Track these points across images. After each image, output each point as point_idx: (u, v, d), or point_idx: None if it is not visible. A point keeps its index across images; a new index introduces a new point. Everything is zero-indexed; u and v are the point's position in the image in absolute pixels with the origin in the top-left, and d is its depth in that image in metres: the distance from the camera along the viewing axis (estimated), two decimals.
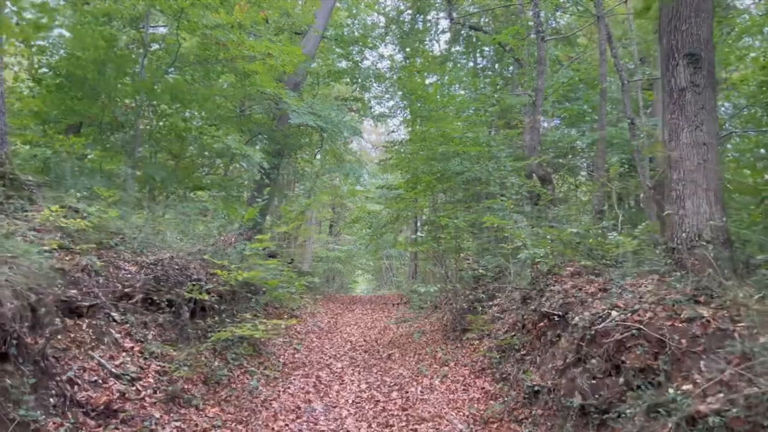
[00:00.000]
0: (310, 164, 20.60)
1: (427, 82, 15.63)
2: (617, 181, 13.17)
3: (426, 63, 18.58)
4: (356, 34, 21.67)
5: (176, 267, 8.59)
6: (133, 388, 6.17)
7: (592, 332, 5.90)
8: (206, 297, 8.29)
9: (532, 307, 7.69)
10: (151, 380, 6.52)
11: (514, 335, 8.27)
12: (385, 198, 15.99)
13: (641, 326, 5.32)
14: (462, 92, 19.10)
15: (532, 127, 13.90)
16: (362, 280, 44.98)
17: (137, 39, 14.62)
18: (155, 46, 15.35)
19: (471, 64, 21.66)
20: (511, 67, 19.21)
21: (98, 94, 12.81)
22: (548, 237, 8.36)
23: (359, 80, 22.69)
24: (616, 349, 5.47)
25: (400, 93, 21.34)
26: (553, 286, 7.57)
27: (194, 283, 8.38)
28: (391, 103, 24.01)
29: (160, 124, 13.51)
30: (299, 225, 19.17)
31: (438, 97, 13.26)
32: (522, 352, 7.79)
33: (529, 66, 16.61)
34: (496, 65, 20.15)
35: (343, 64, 22.68)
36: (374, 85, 22.74)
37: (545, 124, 16.81)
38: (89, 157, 13.90)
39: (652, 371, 5.05)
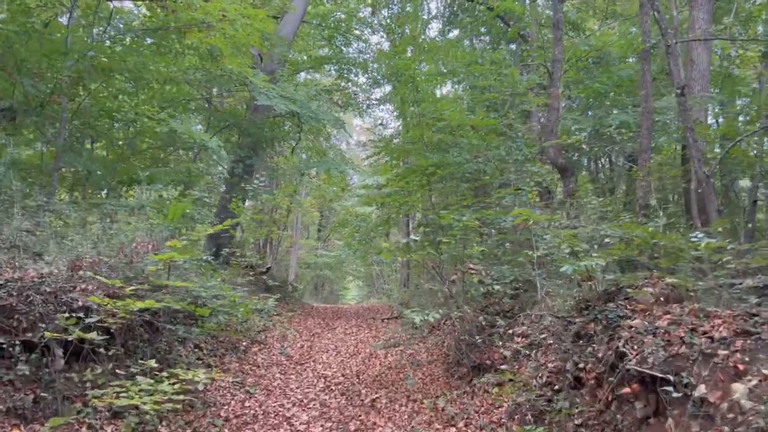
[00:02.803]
0: (288, 160, 17.51)
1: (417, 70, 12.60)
2: (667, 167, 10.09)
3: (415, 42, 15.53)
4: (341, 16, 18.55)
5: (47, 291, 5.46)
6: None
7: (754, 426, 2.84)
8: (90, 335, 5.15)
9: (598, 354, 4.59)
10: None
11: (559, 391, 5.18)
12: (371, 196, 12.87)
13: None
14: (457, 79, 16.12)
15: (549, 105, 10.86)
16: (353, 287, 41.91)
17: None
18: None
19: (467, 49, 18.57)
20: (512, 45, 16.17)
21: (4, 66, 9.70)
22: (607, 240, 5.29)
23: (343, 70, 19.59)
24: None
25: (384, 78, 18.26)
26: (631, 317, 4.49)
27: (71, 315, 5.25)
28: (379, 94, 20.97)
29: (87, 102, 10.35)
30: (269, 229, 16.04)
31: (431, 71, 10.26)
32: (577, 422, 4.70)
33: (537, 40, 13.58)
34: (500, 45, 17.03)
35: (326, 52, 19.62)
36: (359, 74, 19.62)
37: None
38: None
39: None
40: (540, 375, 5.62)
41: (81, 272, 5.89)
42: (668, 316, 4.14)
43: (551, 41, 12.58)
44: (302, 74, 21.23)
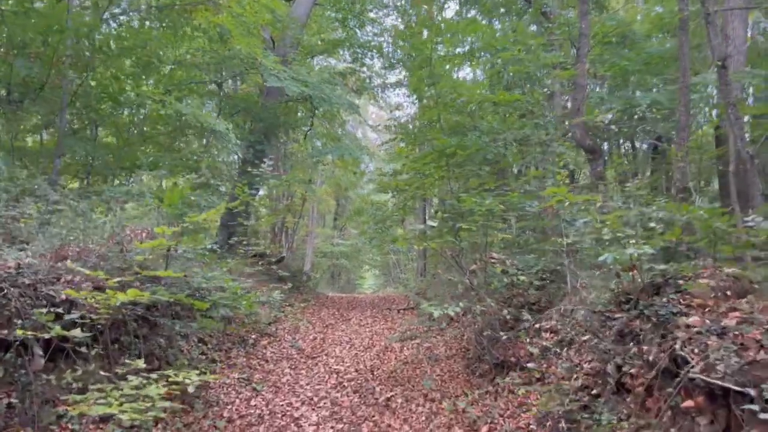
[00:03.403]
0: (302, 146, 16.84)
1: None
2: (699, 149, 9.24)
3: (431, 23, 14.71)
4: None
5: (25, 283, 4.89)
6: None
7: None
8: (73, 333, 4.57)
9: (648, 357, 3.89)
10: None
11: (598, 397, 4.50)
12: (387, 181, 12.17)
13: None
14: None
15: (576, 82, 10.06)
16: (370, 276, 41.32)
17: None
18: None
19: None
20: (534, 26, 15.27)
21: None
22: (653, 225, 4.56)
23: (358, 54, 18.82)
24: None
25: (400, 62, 17.48)
26: (687, 314, 3.79)
27: (51, 310, 4.67)
28: (394, 78, 20.19)
29: (92, 83, 9.78)
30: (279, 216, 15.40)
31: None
32: None
33: (560, 17, 12.71)
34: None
35: (340, 35, 18.86)
36: (374, 58, 18.83)
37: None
38: None
39: None
40: (574, 377, 4.93)
41: (67, 262, 5.30)
42: (736, 314, 3.43)
43: (575, 18, 11.74)
44: (316, 60, 20.53)
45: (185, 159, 11.20)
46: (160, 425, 5.51)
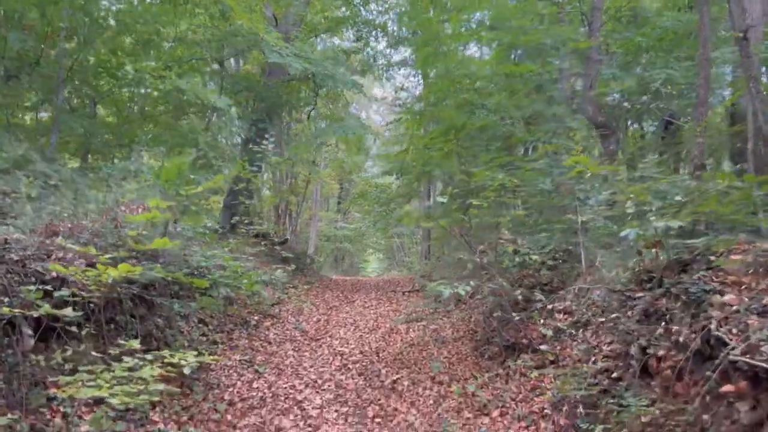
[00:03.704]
0: (305, 127, 16.48)
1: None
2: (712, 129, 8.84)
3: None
4: None
5: (13, 259, 4.61)
6: None
7: None
8: (64, 311, 4.29)
9: (678, 338, 3.58)
10: None
11: (619, 380, 4.21)
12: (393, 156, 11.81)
13: None
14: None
15: (588, 57, 9.67)
16: (373, 259, 41.12)
17: None
18: None
19: None
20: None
21: None
22: (678, 198, 4.23)
23: (362, 32, 18.35)
24: None
25: (405, 42, 17.02)
26: (721, 292, 3.48)
27: (42, 286, 4.40)
28: (399, 57, 19.71)
29: (90, 59, 9.44)
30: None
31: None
32: (644, 419, 3.73)
33: None
34: None
35: (344, 12, 18.37)
36: (379, 36, 18.35)
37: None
38: None
39: None
40: (592, 359, 4.64)
41: (59, 239, 5.02)
42: None
43: None
44: (319, 39, 20.08)
45: (187, 137, 10.87)
46: (157, 408, 5.27)
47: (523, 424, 4.90)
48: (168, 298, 6.25)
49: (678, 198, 4.28)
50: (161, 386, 3.71)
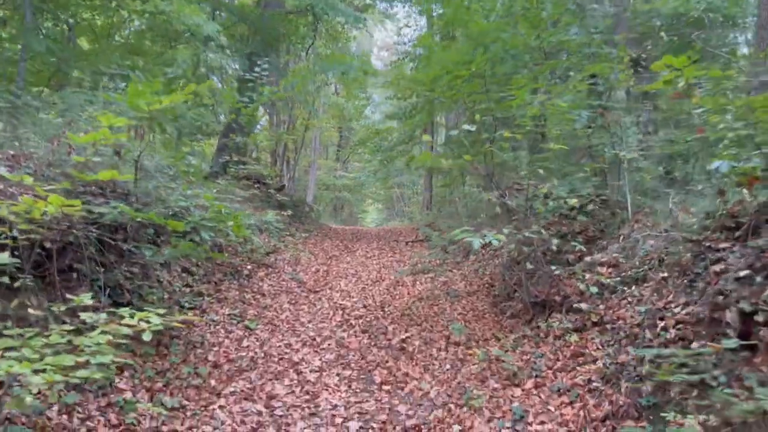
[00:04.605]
0: (305, 64, 15.16)
1: None
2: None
3: None
4: None
5: None
6: None
7: None
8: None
9: None
10: None
11: (689, 346, 3.26)
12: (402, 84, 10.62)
13: None
14: None
15: None
16: (372, 210, 40.19)
17: None
18: None
19: None
20: None
21: None
22: None
23: None
24: None
25: None
26: None
27: None
28: None
29: None
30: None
31: None
32: (745, 408, 2.79)
33: None
34: None
35: None
36: None
37: None
38: None
39: None
40: (661, 324, 3.68)
41: None
42: None
43: None
44: None
45: (170, 63, 9.63)
46: (126, 373, 4.34)
47: (565, 399, 3.98)
48: (144, 244, 5.26)
49: None
50: (110, 356, 2.74)
